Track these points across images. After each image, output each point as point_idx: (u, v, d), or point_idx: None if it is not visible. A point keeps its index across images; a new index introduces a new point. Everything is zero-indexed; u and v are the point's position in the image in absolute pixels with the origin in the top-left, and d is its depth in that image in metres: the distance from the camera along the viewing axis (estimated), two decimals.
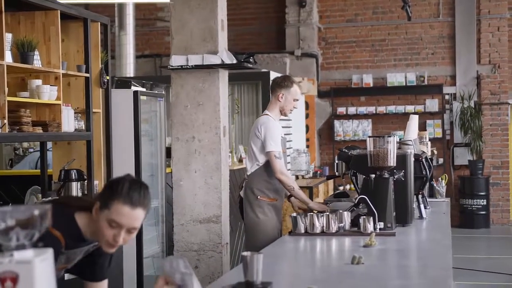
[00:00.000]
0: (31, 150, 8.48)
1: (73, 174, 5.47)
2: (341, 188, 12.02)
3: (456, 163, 12.53)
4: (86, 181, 5.63)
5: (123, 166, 6.20)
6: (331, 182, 11.33)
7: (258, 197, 5.19)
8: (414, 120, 5.44)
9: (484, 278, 8.22)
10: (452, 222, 11.93)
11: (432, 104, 12.51)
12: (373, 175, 4.34)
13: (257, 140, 5.19)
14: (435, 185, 6.29)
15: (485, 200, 12.10)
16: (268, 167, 5.16)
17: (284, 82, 5.32)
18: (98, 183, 5.87)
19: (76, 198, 3.26)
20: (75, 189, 5.49)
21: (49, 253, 1.81)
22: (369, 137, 4.42)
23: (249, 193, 5.24)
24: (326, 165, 12.68)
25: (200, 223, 5.68)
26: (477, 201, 12.08)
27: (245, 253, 2.65)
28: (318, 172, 11.31)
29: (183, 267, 2.49)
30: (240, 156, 7.92)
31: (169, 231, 6.76)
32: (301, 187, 9.34)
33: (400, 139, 5.44)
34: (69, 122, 5.34)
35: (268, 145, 5.12)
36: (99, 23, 5.90)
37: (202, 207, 5.72)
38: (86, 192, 5.66)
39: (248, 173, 5.29)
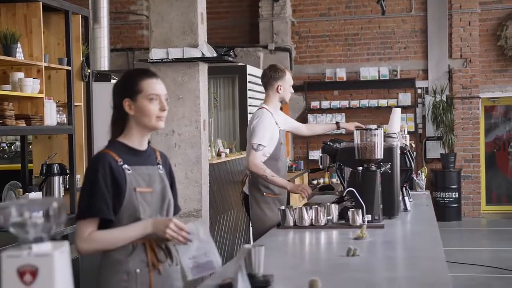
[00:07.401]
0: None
1: (55, 168, 5.40)
2: (322, 181, 12.11)
3: (428, 157, 12.66)
4: (68, 175, 5.56)
5: None
6: (305, 176, 11.40)
7: (264, 193, 5.14)
8: (397, 113, 5.47)
9: (457, 270, 8.31)
10: None
11: (405, 98, 12.61)
12: (360, 168, 4.35)
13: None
14: (415, 178, 6.34)
15: (456, 193, 12.26)
16: (271, 162, 5.10)
17: (278, 73, 5.36)
18: (80, 177, 5.80)
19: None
20: (57, 183, 5.42)
21: (65, 245, 1.79)
22: (356, 129, 4.42)
23: (254, 190, 5.17)
24: (300, 159, 12.72)
25: (180, 217, 5.62)
26: (449, 194, 12.23)
27: (247, 246, 2.65)
28: (294, 166, 11.36)
29: (202, 233, 2.48)
30: (219, 150, 7.89)
31: None
32: None
33: None
34: (52, 115, 5.27)
35: (253, 136, 5.09)
36: (80, 15, 5.83)
37: (183, 201, 5.68)
38: (68, 186, 5.59)
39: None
